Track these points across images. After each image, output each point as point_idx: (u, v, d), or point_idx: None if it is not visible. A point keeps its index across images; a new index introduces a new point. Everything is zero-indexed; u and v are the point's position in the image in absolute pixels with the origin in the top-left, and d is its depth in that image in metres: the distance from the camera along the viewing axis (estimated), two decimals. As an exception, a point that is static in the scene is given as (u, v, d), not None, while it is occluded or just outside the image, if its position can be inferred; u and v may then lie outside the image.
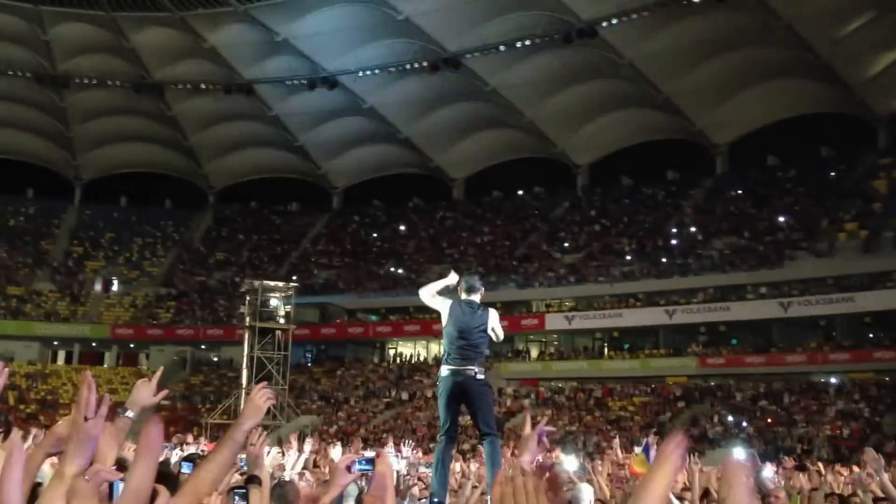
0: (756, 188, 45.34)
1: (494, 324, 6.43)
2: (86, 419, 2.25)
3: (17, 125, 56.24)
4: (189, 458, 6.49)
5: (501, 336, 6.48)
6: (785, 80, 43.55)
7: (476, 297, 6.51)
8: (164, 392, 3.20)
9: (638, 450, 8.45)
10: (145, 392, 3.13)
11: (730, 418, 35.12)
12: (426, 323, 47.18)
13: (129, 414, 3.10)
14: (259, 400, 3.27)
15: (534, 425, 3.76)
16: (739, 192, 46.08)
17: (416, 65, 47.63)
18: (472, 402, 6.29)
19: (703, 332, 40.31)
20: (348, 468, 3.56)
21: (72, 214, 58.53)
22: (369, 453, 3.79)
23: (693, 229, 44.42)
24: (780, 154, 47.04)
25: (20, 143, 57.74)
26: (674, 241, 44.35)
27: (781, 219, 41.84)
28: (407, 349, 49.26)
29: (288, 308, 39.58)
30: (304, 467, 12.43)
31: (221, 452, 3.16)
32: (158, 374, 3.20)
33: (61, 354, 50.89)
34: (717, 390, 37.93)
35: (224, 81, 51.80)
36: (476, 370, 6.27)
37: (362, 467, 3.71)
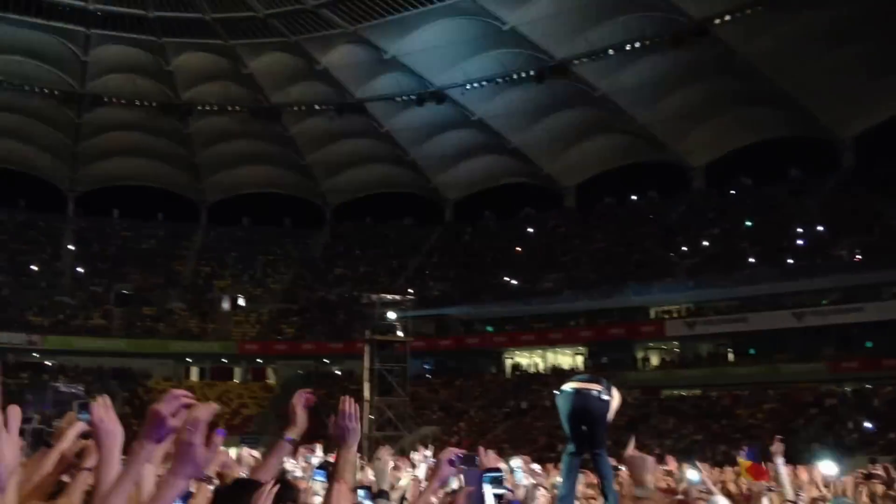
0: (886, 182, 42.98)
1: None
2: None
3: (146, 153, 59.38)
4: (323, 467, 6.68)
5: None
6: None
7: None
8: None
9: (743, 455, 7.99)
10: (304, 415, 3.50)
11: (867, 425, 33.38)
12: (542, 333, 47.03)
13: (290, 437, 3.45)
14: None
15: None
16: (868, 187, 43.83)
17: (524, 74, 47.62)
18: (592, 424, 6.14)
19: (834, 335, 38.48)
20: (451, 462, 3.72)
21: (199, 236, 61.22)
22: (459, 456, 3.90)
23: (820, 228, 42.50)
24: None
25: (150, 171, 60.89)
26: (799, 242, 42.55)
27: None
28: (523, 359, 49.11)
29: (405, 321, 40.13)
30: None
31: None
32: (307, 395, 3.56)
33: (194, 371, 53.09)
34: (853, 395, 36.14)
35: (337, 101, 53.23)
36: (599, 389, 6.14)
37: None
